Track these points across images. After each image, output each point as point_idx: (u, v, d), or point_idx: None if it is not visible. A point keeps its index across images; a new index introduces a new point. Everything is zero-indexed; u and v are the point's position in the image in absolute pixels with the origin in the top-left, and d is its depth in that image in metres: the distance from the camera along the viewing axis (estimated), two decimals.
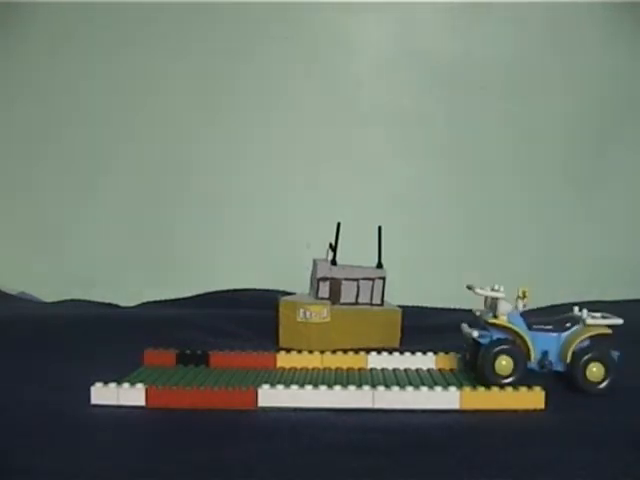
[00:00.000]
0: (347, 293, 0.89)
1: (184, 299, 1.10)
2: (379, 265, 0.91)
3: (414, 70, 1.14)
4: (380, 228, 0.91)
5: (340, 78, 1.15)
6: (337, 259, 0.89)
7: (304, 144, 1.15)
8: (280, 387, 0.64)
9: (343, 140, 1.15)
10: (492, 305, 0.70)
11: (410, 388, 0.64)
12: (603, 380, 0.67)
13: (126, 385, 0.64)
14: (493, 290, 0.69)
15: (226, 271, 1.13)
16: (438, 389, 0.64)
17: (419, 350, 0.77)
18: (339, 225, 0.89)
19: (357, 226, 0.94)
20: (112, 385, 0.64)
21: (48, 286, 1.14)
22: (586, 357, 0.67)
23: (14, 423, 0.59)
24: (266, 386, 0.64)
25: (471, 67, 1.14)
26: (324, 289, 0.88)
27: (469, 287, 0.70)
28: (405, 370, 0.75)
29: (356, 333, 0.86)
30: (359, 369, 0.75)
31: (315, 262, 0.90)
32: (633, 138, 1.15)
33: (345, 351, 0.78)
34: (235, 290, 1.11)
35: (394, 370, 0.75)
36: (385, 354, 0.77)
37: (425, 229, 1.15)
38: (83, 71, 1.14)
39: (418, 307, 1.05)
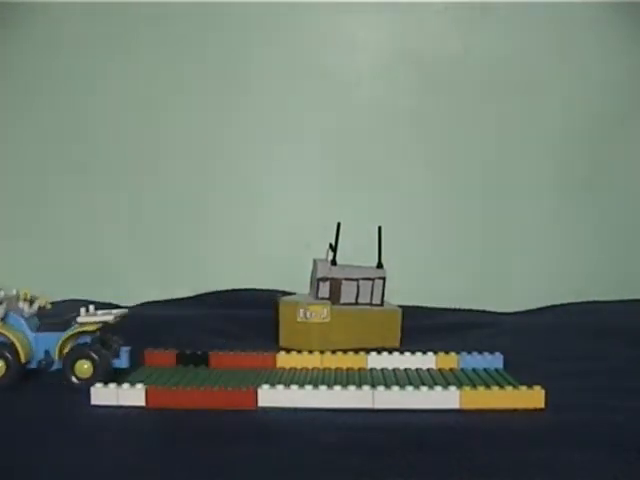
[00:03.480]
0: (347, 293, 0.88)
1: (184, 299, 1.10)
2: (379, 265, 0.91)
3: (414, 70, 1.14)
4: (380, 228, 0.91)
5: (340, 78, 1.15)
6: (337, 259, 0.89)
7: (303, 144, 1.15)
8: (280, 387, 0.64)
9: (343, 140, 1.15)
10: None
11: (410, 388, 0.64)
12: (93, 376, 0.68)
13: (126, 385, 0.64)
14: None
15: (226, 271, 1.13)
16: (438, 389, 0.64)
17: (419, 350, 0.77)
18: (339, 225, 0.89)
19: (357, 226, 0.94)
20: (112, 385, 0.64)
21: (48, 286, 1.14)
22: (73, 355, 0.69)
23: (14, 423, 0.59)
24: (266, 386, 0.64)
25: (471, 67, 1.14)
26: (324, 289, 0.88)
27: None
28: (405, 370, 0.75)
29: (356, 333, 0.86)
30: (359, 369, 0.75)
31: (315, 262, 0.90)
32: (634, 139, 1.15)
33: (345, 351, 0.78)
34: (235, 290, 1.11)
35: (394, 370, 0.75)
36: (385, 354, 0.77)
37: (425, 229, 1.15)
38: (84, 71, 1.14)
39: (418, 307, 1.05)
